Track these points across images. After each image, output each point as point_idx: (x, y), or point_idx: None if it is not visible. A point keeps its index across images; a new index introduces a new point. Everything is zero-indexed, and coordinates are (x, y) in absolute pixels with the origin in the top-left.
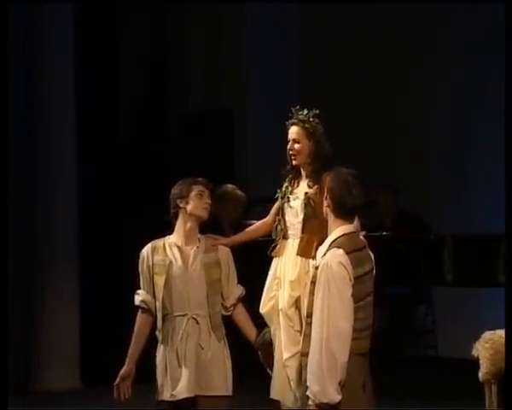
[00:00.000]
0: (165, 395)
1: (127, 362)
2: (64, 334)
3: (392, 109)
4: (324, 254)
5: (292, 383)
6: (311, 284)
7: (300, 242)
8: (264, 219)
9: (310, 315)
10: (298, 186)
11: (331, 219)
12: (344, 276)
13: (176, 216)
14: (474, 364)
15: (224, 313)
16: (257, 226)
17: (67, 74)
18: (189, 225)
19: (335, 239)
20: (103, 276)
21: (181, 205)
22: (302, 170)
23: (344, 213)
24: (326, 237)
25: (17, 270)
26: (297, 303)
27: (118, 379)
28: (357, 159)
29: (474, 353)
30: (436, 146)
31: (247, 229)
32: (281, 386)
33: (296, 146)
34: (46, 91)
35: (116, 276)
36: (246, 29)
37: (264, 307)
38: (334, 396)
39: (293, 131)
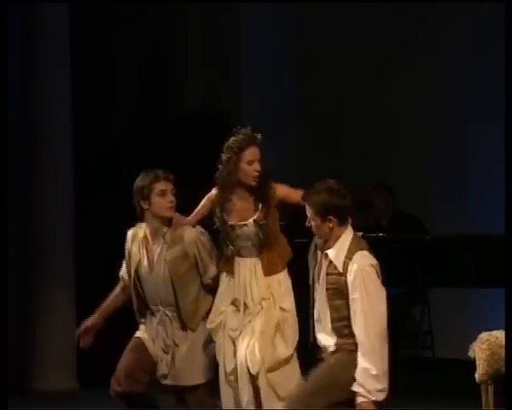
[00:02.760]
0: (139, 334)
1: (96, 315)
2: (60, 334)
3: (389, 110)
4: (347, 259)
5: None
6: (335, 290)
7: (263, 262)
8: (208, 197)
9: (337, 319)
10: (238, 211)
11: (335, 231)
12: (377, 275)
13: (142, 214)
14: (471, 365)
15: (207, 289)
16: (204, 203)
17: (64, 74)
18: (155, 224)
19: (350, 244)
20: (100, 276)
21: (144, 206)
22: (243, 191)
23: (345, 218)
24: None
25: (13, 270)
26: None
27: (82, 328)
28: (353, 160)
29: (471, 354)
30: (432, 146)
31: (197, 210)
32: (226, 400)
33: (260, 167)
34: (42, 91)
35: (113, 277)
36: (243, 29)
37: (211, 323)
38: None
39: (258, 153)
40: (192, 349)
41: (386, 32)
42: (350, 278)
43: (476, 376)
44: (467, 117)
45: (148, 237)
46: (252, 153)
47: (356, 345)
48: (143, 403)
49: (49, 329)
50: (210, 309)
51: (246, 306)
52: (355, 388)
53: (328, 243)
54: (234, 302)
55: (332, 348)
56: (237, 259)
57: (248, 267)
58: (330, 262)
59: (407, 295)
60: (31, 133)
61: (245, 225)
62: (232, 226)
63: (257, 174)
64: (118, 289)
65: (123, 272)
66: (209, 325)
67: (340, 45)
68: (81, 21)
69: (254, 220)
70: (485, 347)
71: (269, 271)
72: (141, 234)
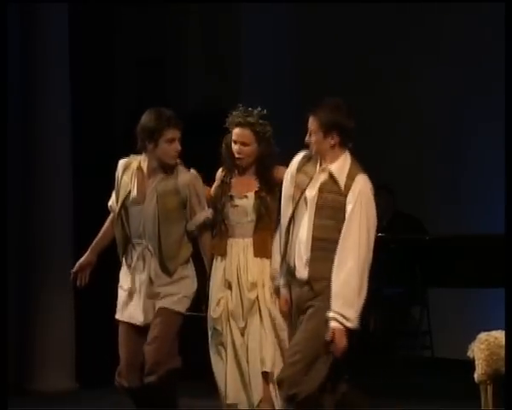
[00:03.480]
0: (117, 315)
1: (88, 252)
2: (59, 334)
3: (389, 110)
4: (349, 179)
5: (248, 387)
6: (328, 209)
7: (255, 242)
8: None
9: (319, 239)
10: (240, 185)
11: (335, 150)
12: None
13: (142, 149)
14: (470, 365)
15: (190, 236)
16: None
17: (63, 74)
18: (154, 164)
19: (350, 165)
20: (99, 276)
21: (149, 147)
22: (246, 170)
23: (347, 139)
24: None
25: (12, 270)
26: (256, 305)
27: (76, 267)
28: None
29: (470, 354)
30: (431, 146)
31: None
32: (235, 390)
33: (244, 149)
34: (42, 91)
35: (112, 276)
36: (243, 30)
37: (214, 313)
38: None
39: (242, 134)
40: (167, 292)
41: (385, 31)
42: (351, 199)
43: (475, 376)
44: (467, 117)
45: (144, 171)
46: (234, 134)
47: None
48: (148, 401)
49: (48, 329)
50: (190, 256)
51: (239, 288)
52: (330, 314)
53: (324, 161)
54: (228, 285)
55: (304, 276)
56: (230, 240)
57: (241, 248)
58: (329, 180)
59: (406, 295)
60: (30, 133)
61: (245, 196)
62: (231, 196)
63: (237, 156)
64: (108, 223)
65: (112, 201)
66: (213, 314)
67: (339, 45)
68: (81, 21)
69: (256, 192)
70: (484, 347)
71: (260, 252)
72: (135, 165)
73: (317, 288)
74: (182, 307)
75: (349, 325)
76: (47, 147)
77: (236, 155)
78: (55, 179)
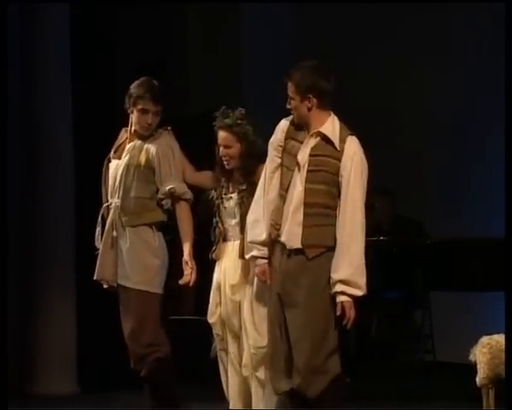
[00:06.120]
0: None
1: None
2: (61, 337)
3: (389, 111)
4: (341, 142)
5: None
6: (320, 173)
7: (241, 243)
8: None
9: (311, 206)
10: (231, 187)
11: (316, 113)
12: None
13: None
14: (472, 368)
15: (161, 206)
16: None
17: (64, 73)
18: (133, 128)
19: (340, 128)
20: None
21: (128, 112)
22: (234, 171)
23: (326, 101)
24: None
25: (13, 272)
26: (239, 308)
27: None
28: None
29: (472, 358)
30: (432, 148)
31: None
32: (235, 394)
33: (228, 151)
34: (42, 92)
35: None
36: (243, 30)
37: (212, 317)
38: None
39: (223, 137)
40: (131, 249)
41: (386, 31)
42: (346, 163)
43: (477, 379)
44: (467, 118)
45: (129, 133)
46: (218, 138)
47: (325, 241)
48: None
49: (49, 332)
50: (156, 224)
51: (225, 291)
52: (339, 287)
53: (309, 127)
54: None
55: (297, 244)
56: (224, 244)
57: (230, 250)
58: (321, 143)
59: (407, 298)
60: (31, 135)
61: (231, 197)
62: (222, 199)
63: (223, 159)
64: None
65: None
66: (210, 319)
67: (340, 45)
68: (82, 21)
69: (239, 192)
70: (485, 350)
71: (243, 253)
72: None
73: (310, 255)
74: (148, 285)
75: (360, 293)
76: (48, 148)
77: (223, 158)
78: (57, 180)
